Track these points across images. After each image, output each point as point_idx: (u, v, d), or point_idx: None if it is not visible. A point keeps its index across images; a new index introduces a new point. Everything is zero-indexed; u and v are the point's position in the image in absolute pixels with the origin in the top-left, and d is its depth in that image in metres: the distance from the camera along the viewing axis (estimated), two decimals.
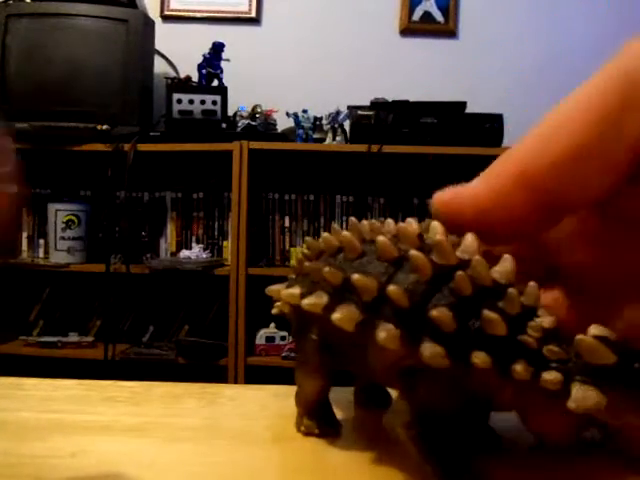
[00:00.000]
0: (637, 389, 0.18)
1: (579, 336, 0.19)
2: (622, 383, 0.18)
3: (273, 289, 0.28)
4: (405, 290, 0.20)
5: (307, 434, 0.27)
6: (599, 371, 0.18)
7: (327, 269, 0.23)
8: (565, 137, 0.19)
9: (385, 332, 0.20)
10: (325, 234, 0.25)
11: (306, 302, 0.24)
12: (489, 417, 0.25)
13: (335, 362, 0.26)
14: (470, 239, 0.21)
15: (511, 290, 0.20)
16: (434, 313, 0.19)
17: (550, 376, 0.19)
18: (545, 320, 0.20)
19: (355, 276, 0.21)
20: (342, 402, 0.31)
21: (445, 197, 0.22)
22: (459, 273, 0.20)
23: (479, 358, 0.19)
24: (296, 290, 0.25)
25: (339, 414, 0.30)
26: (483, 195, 0.20)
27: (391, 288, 0.20)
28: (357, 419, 0.30)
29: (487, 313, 0.19)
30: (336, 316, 0.22)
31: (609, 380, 0.18)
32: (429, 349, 0.19)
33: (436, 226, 0.22)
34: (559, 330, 0.20)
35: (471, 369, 0.19)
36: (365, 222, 0.25)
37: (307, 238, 0.27)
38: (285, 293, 0.26)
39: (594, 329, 0.19)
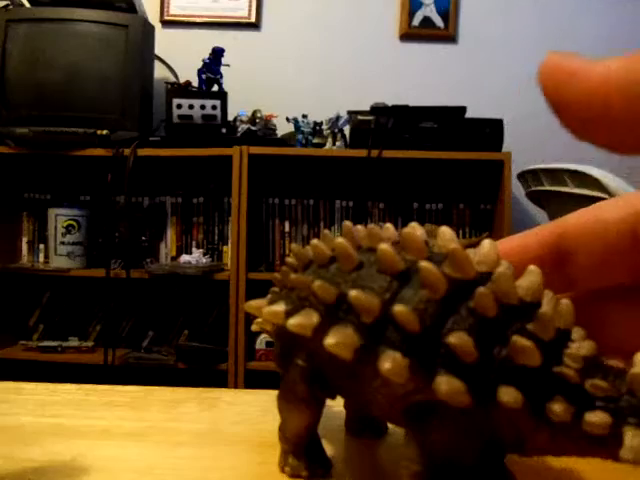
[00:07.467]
0: None
1: (635, 369, 0.14)
2: None
3: (253, 305, 0.24)
4: (414, 310, 0.17)
5: (293, 476, 0.24)
6: None
7: (318, 283, 0.19)
8: None
9: (391, 362, 0.17)
10: (314, 241, 0.21)
11: (292, 322, 0.20)
12: (504, 456, 0.21)
13: (325, 393, 0.22)
14: (487, 246, 0.17)
15: (545, 310, 0.16)
16: (452, 339, 0.16)
17: (595, 417, 0.15)
18: (583, 346, 0.16)
19: (353, 293, 0.18)
20: (332, 428, 0.29)
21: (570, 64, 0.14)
22: (481, 289, 0.16)
23: (508, 395, 0.15)
24: (280, 307, 0.21)
25: (328, 444, 0.27)
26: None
27: (398, 308, 0.17)
28: (349, 451, 0.28)
29: (518, 339, 0.15)
30: (330, 341, 0.18)
31: None
32: (447, 383, 0.16)
33: (446, 232, 0.18)
34: (601, 359, 0.16)
35: (497, 408, 0.16)
36: (360, 227, 0.21)
37: (293, 245, 0.22)
38: (267, 311, 0.22)
39: None
